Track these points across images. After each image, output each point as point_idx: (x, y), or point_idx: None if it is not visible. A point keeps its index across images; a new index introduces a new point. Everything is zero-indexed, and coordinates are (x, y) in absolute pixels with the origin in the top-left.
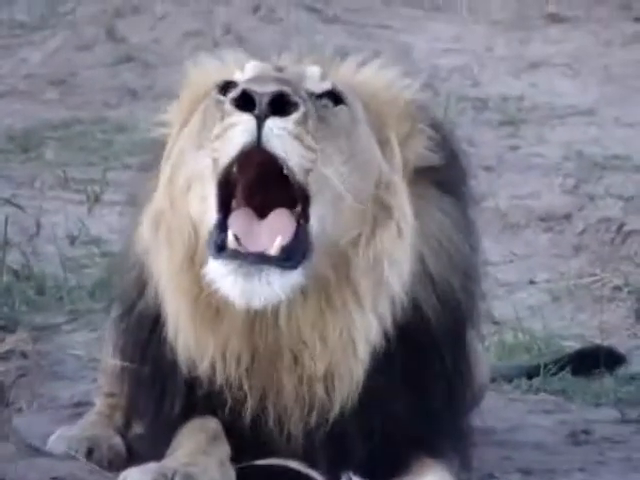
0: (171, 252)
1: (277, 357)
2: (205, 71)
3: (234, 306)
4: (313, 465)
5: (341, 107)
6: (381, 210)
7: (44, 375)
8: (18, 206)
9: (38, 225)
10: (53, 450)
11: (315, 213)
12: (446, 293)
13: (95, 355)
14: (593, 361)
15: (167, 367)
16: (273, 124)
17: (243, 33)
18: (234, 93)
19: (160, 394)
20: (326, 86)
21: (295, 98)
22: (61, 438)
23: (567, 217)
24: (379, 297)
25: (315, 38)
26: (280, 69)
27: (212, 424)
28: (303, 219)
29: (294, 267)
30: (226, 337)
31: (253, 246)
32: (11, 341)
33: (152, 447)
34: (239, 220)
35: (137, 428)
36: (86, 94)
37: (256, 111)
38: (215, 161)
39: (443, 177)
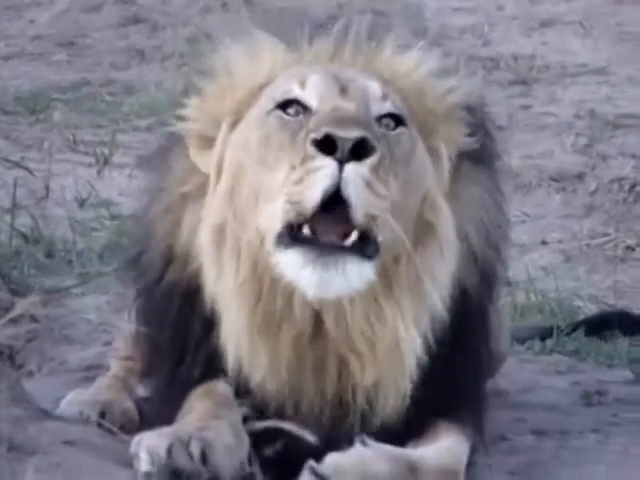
0: (238, 263)
1: (324, 366)
2: (241, 64)
3: (290, 314)
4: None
5: (402, 130)
6: (424, 228)
7: (54, 339)
8: (27, 169)
9: (47, 188)
10: (65, 414)
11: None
12: (486, 268)
13: (105, 318)
14: (608, 324)
15: (191, 338)
16: (351, 169)
17: None
18: (316, 135)
19: (178, 361)
20: (388, 107)
21: (374, 142)
22: (73, 402)
23: (579, 177)
24: (421, 313)
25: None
26: (343, 88)
27: (222, 388)
28: None
29: (369, 258)
30: (279, 348)
31: (327, 237)
32: (21, 305)
33: (162, 411)
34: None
35: (146, 391)
36: (94, 56)
37: (338, 155)
38: (294, 204)
39: (478, 153)
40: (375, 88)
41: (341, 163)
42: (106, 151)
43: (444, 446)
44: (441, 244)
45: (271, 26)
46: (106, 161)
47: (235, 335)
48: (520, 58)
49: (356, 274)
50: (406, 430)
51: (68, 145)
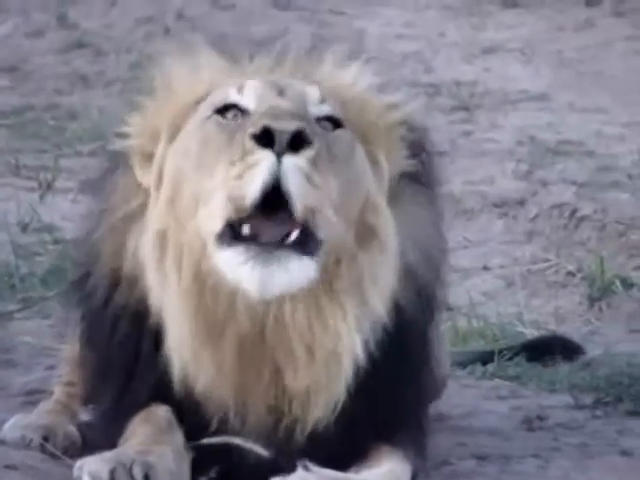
0: (180, 269)
1: (261, 373)
2: (181, 79)
3: (234, 318)
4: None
5: (340, 131)
6: (365, 230)
7: None
8: None
9: None
10: (7, 438)
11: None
12: (423, 288)
13: (48, 343)
14: (548, 349)
15: (139, 361)
16: (289, 162)
17: (196, 19)
18: (255, 129)
19: (124, 385)
20: (326, 110)
21: (311, 135)
22: (16, 426)
23: (520, 203)
24: (362, 317)
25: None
26: (281, 91)
27: (164, 412)
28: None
29: (311, 255)
30: (223, 353)
31: (267, 237)
32: None
33: (105, 435)
34: (250, 221)
35: (88, 416)
36: (38, 81)
37: (276, 148)
38: (234, 200)
39: (419, 174)
40: (313, 92)
41: (279, 156)
42: (49, 176)
43: (386, 470)
44: (382, 246)
45: (213, 46)
46: (49, 186)
47: (179, 342)
48: (462, 84)
49: (298, 270)
50: (348, 454)
51: (11, 170)
